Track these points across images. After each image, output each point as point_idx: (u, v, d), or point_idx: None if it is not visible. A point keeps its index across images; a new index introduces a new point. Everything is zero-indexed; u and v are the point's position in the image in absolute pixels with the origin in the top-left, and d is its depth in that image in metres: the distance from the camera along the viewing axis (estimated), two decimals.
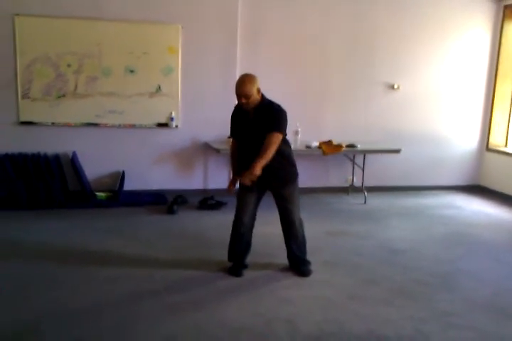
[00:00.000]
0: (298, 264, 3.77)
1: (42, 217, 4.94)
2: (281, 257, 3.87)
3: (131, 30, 5.34)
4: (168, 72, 5.52)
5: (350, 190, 6.35)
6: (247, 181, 3.34)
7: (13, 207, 5.07)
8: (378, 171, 6.37)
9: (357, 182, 6.26)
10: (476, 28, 6.41)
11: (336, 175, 6.40)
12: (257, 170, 3.31)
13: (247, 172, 3.33)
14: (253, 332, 2.89)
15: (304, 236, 3.77)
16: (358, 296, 3.42)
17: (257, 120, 3.46)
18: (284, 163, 3.58)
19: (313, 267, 3.80)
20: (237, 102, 3.54)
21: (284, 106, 5.91)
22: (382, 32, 6.11)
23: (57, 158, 5.30)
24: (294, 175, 3.66)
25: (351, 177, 6.34)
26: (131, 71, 5.42)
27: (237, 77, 5.47)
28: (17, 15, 5.06)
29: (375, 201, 6.03)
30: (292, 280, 3.64)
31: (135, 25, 5.35)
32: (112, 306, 3.14)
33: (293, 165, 3.66)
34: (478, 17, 6.39)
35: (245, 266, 3.75)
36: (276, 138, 3.39)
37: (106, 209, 5.27)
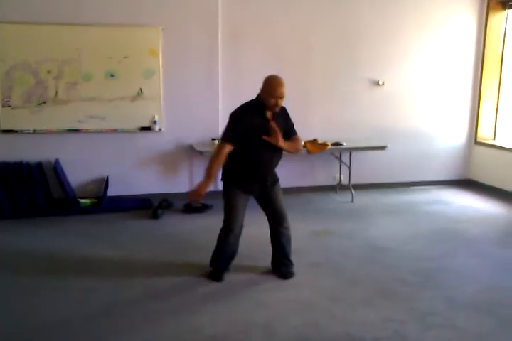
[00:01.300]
0: (281, 266, 3.74)
1: (25, 225, 4.90)
2: (265, 260, 3.85)
3: (111, 33, 5.28)
4: (149, 75, 5.48)
5: (338, 188, 6.31)
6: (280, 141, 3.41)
7: None
8: (366, 169, 6.32)
9: (344, 181, 6.22)
10: (461, 20, 6.34)
11: (323, 174, 6.35)
12: (282, 144, 3.44)
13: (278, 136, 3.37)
14: (230, 338, 2.87)
15: (290, 237, 3.77)
16: (338, 298, 3.40)
17: (279, 121, 3.47)
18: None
19: (296, 269, 3.77)
20: (242, 106, 3.49)
21: None
22: (366, 28, 6.04)
23: (39, 165, 5.26)
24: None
25: (338, 175, 6.30)
26: (112, 75, 5.38)
27: (220, 78, 5.69)
28: None
29: (363, 199, 6.00)
30: (273, 284, 3.61)
31: (115, 28, 5.29)
32: (88, 317, 3.11)
33: None
34: (462, 10, 6.33)
35: (227, 270, 3.72)
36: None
37: (90, 215, 5.23)
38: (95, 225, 4.95)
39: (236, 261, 3.82)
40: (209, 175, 3.37)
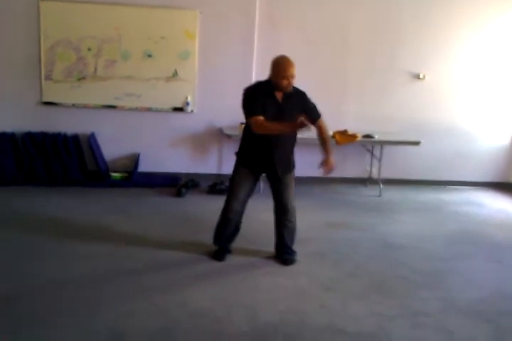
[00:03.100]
0: (283, 252, 3.75)
1: (57, 193, 5.19)
2: (272, 246, 3.85)
3: (149, 15, 5.43)
4: (185, 56, 5.58)
5: (369, 181, 6.20)
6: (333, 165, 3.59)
7: (33, 183, 5.35)
8: (399, 164, 6.16)
9: (375, 174, 6.10)
10: (509, 12, 5.98)
11: (355, 166, 6.25)
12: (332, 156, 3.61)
13: (328, 164, 3.59)
14: (211, 316, 2.93)
15: (295, 225, 3.74)
16: (333, 289, 3.37)
17: (290, 104, 3.45)
18: (292, 151, 3.67)
19: (299, 257, 3.78)
20: (252, 85, 3.53)
21: None
22: (408, 18, 5.83)
23: (76, 138, 5.53)
24: (293, 162, 3.73)
25: (369, 168, 6.18)
26: (149, 55, 5.53)
27: (254, 64, 5.69)
28: (42, 0, 5.27)
29: (392, 194, 5.86)
30: (272, 269, 3.63)
31: (154, 10, 5.42)
32: (83, 283, 3.27)
33: (293, 152, 3.72)
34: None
35: (229, 251, 3.78)
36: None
37: (119, 188, 5.46)
38: (122, 198, 5.17)
39: (243, 245, 3.90)
40: (286, 126, 3.29)
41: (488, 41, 6.02)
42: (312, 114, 3.55)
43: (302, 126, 3.19)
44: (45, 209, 4.66)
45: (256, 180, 3.65)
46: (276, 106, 3.41)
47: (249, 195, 3.65)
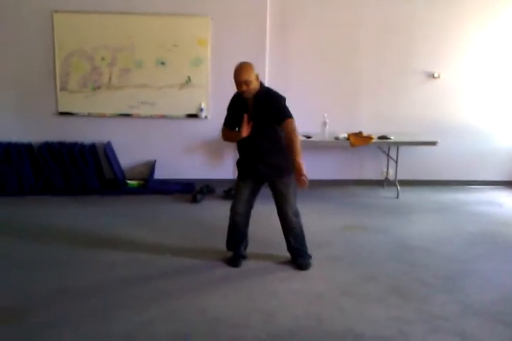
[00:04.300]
0: (297, 256, 3.74)
1: (74, 202, 5.26)
2: (286, 249, 3.85)
3: (161, 23, 5.49)
4: (197, 63, 5.62)
5: (386, 183, 6.15)
6: (305, 181, 3.21)
7: (50, 193, 5.43)
8: (416, 164, 6.10)
9: (392, 176, 6.05)
10: None
11: (372, 168, 6.21)
12: (302, 165, 3.19)
13: (298, 175, 3.19)
14: (229, 322, 2.93)
15: (301, 229, 3.71)
16: (350, 293, 3.35)
17: (257, 108, 3.44)
18: (283, 153, 3.48)
19: (315, 261, 3.76)
20: (235, 92, 3.56)
21: (314, 95, 5.89)
22: (422, 17, 5.78)
23: (93, 147, 5.60)
24: (290, 165, 3.49)
25: (386, 170, 6.13)
26: (162, 63, 5.58)
27: (267, 69, 5.71)
28: (56, 11, 5.37)
29: (409, 195, 5.80)
30: (288, 273, 3.62)
31: (165, 18, 5.48)
32: (100, 290, 3.31)
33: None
34: None
35: (244, 257, 3.78)
36: (294, 124, 3.36)
37: (136, 196, 5.51)
38: (138, 205, 5.22)
39: (258, 250, 3.91)
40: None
41: (504, 40, 5.94)
42: (277, 116, 3.38)
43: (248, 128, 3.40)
44: (63, 218, 4.72)
45: (254, 183, 3.63)
46: (246, 112, 3.45)
47: (252, 197, 3.67)
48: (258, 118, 3.43)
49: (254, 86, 3.40)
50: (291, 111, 3.45)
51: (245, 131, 3.42)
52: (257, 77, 3.45)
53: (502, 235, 4.55)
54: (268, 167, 3.53)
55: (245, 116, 3.41)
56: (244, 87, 3.36)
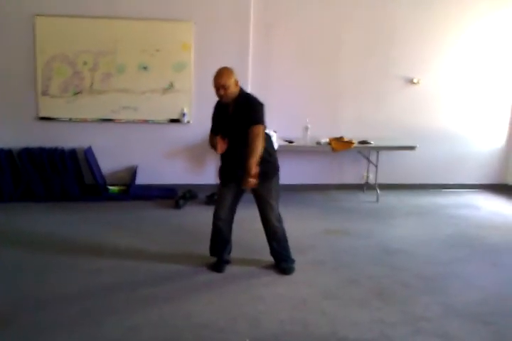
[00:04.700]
0: (280, 261, 3.77)
1: (55, 209, 5.20)
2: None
3: (144, 27, 5.48)
4: (180, 68, 5.63)
5: (366, 187, 6.24)
6: (252, 184, 3.29)
7: (30, 199, 5.36)
8: (395, 169, 6.21)
9: (373, 180, 6.14)
10: (503, 15, 6.05)
11: (352, 172, 6.29)
12: (253, 169, 3.25)
13: (246, 177, 3.25)
14: (214, 327, 2.95)
15: (284, 233, 3.74)
16: (334, 297, 3.40)
17: (236, 114, 3.47)
18: (263, 158, 3.40)
19: (298, 265, 3.80)
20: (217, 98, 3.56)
21: (296, 100, 5.95)
22: (401, 23, 5.91)
23: (73, 152, 5.55)
24: (272, 169, 3.59)
25: (366, 174, 6.22)
26: (145, 68, 5.57)
27: (250, 73, 5.75)
28: (38, 15, 5.32)
29: (389, 199, 5.90)
30: (272, 278, 3.65)
31: (148, 22, 5.48)
32: (86, 296, 3.29)
33: (270, 160, 3.57)
34: (504, 4, 6.03)
35: (227, 262, 3.80)
36: (260, 130, 3.35)
37: (117, 202, 5.47)
38: (120, 211, 5.18)
39: (242, 254, 3.93)
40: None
41: (482, 45, 6.11)
42: (249, 120, 3.37)
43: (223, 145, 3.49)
44: (44, 225, 4.66)
45: (236, 189, 3.60)
46: (226, 119, 3.51)
47: (235, 203, 3.69)
48: (237, 122, 3.43)
49: (233, 91, 3.42)
50: (265, 118, 3.45)
51: (220, 149, 3.50)
52: (237, 83, 3.47)
53: (480, 238, 4.66)
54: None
55: (219, 136, 3.49)
56: (222, 91, 3.39)
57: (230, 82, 3.39)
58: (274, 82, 5.84)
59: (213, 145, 3.64)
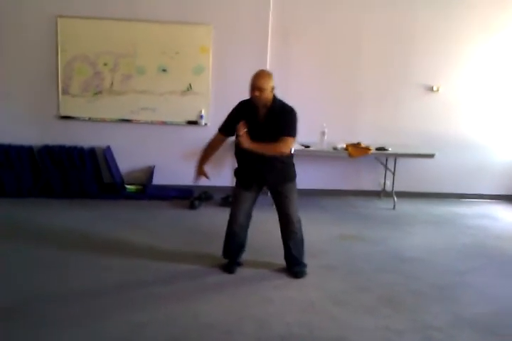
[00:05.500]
0: (293, 265, 3.75)
1: (73, 205, 5.28)
2: (282, 257, 3.86)
3: (164, 30, 5.54)
4: (199, 71, 5.67)
5: (383, 194, 6.17)
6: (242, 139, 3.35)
7: (49, 195, 5.45)
8: (413, 176, 6.13)
9: (389, 187, 6.07)
10: None
11: (369, 179, 6.23)
12: (248, 145, 3.34)
13: (244, 138, 3.35)
14: (222, 328, 2.94)
15: (302, 236, 3.74)
16: (343, 302, 3.36)
17: (269, 121, 3.45)
18: (286, 162, 3.60)
19: (310, 270, 3.77)
20: (243, 99, 3.57)
21: (313, 105, 5.94)
22: (422, 30, 5.85)
23: (92, 151, 5.63)
24: (294, 172, 3.69)
25: (383, 181, 6.15)
26: (164, 70, 5.63)
27: None
28: (60, 16, 5.43)
29: (406, 207, 5.82)
30: (283, 281, 3.63)
31: (168, 26, 5.54)
32: (96, 292, 3.32)
33: (293, 165, 3.69)
34: None
35: (239, 264, 3.79)
36: (290, 143, 3.45)
37: (133, 201, 5.53)
38: (136, 210, 5.23)
39: (254, 257, 3.92)
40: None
41: (503, 55, 6.00)
42: (281, 130, 3.42)
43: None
44: (60, 222, 4.73)
45: (256, 192, 3.65)
46: (255, 124, 3.46)
47: (252, 207, 3.69)
48: (269, 130, 3.43)
49: (267, 95, 3.40)
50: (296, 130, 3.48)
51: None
52: (273, 89, 3.45)
53: (498, 249, 4.57)
54: (275, 175, 3.56)
55: (241, 123, 3.40)
56: (258, 93, 3.36)
57: (268, 86, 3.39)
58: (291, 86, 5.82)
59: (212, 145, 3.69)
